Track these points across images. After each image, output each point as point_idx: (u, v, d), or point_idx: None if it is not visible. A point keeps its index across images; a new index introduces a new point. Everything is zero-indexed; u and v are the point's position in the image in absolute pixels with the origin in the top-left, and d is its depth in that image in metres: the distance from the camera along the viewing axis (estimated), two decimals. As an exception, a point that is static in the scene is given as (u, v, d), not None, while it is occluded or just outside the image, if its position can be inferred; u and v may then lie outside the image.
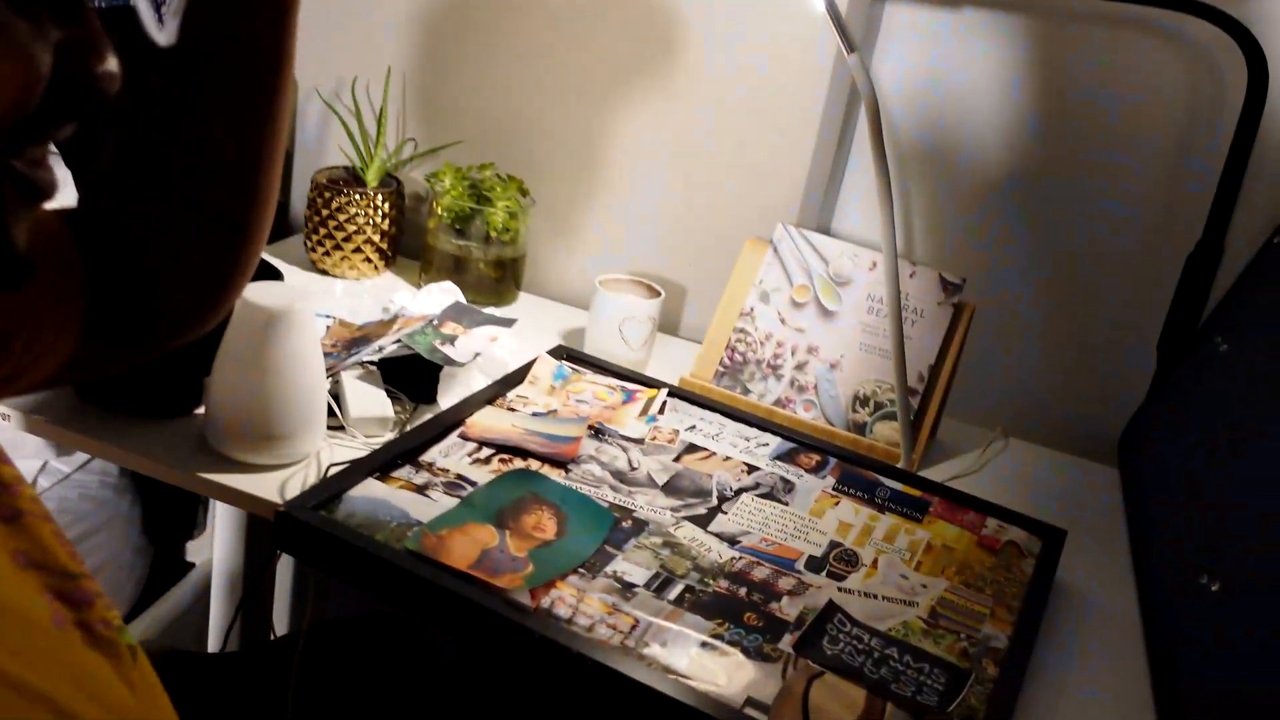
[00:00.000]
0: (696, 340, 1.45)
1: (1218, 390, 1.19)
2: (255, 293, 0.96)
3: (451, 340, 1.15)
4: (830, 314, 1.28)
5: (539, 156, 1.46)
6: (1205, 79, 1.29)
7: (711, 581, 0.90)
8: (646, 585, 0.88)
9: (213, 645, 1.44)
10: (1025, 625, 0.92)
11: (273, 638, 1.38)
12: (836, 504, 1.05)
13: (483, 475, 0.99)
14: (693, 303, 1.46)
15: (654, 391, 1.18)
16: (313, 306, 0.98)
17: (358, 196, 1.40)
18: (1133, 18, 1.28)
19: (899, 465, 1.19)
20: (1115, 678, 0.96)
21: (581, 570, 0.88)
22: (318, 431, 1.02)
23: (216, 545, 1.43)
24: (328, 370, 1.09)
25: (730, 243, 1.40)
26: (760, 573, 0.93)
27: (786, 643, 0.84)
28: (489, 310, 1.28)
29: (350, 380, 1.10)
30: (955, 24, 1.33)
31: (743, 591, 0.90)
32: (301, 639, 1.04)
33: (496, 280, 1.42)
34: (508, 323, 1.21)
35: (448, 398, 1.15)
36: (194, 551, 1.66)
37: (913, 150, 1.39)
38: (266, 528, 0.92)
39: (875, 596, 0.93)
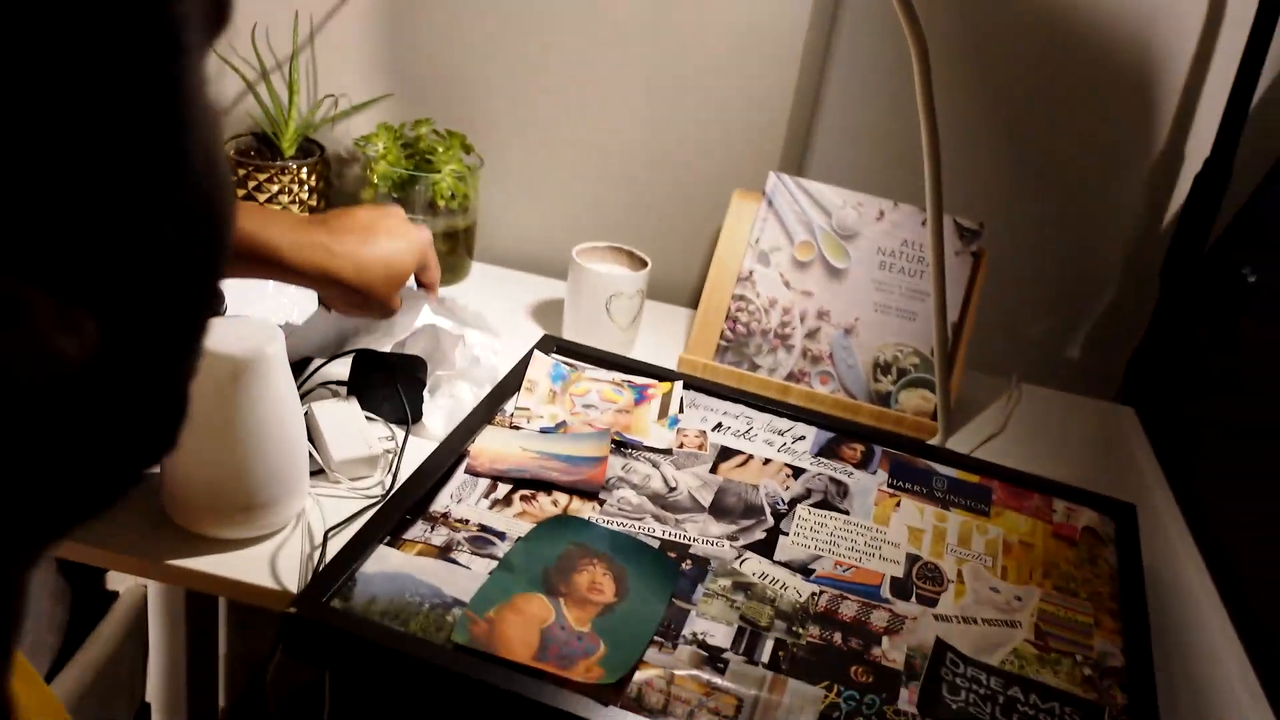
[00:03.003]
0: (679, 304, 1.31)
1: (1257, 329, 1.12)
2: (213, 337, 0.78)
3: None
4: (839, 272, 1.15)
5: (483, 108, 1.27)
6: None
7: (801, 630, 0.79)
8: (734, 647, 0.76)
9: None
10: (1135, 634, 0.84)
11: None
12: (898, 505, 0.94)
13: (509, 522, 0.84)
14: (670, 262, 1.31)
15: (668, 385, 1.04)
16: (282, 346, 0.81)
17: (279, 170, 1.19)
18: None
19: (934, 441, 1.09)
20: (1224, 670, 0.89)
21: (658, 638, 0.76)
22: (302, 491, 0.85)
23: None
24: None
25: (707, 195, 1.26)
26: (848, 609, 0.82)
27: (906, 700, 0.74)
28: (451, 293, 1.11)
29: (324, 413, 0.93)
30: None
31: (838, 638, 0.78)
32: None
33: (447, 254, 1.25)
34: (492, 331, 1.05)
35: (433, 416, 0.99)
36: (116, 580, 1.47)
37: (893, 80, 1.25)
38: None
39: (975, 620, 0.83)
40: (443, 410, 1.00)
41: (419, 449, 0.93)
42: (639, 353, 1.18)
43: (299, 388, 0.96)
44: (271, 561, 0.82)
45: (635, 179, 1.29)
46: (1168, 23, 1.21)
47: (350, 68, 1.27)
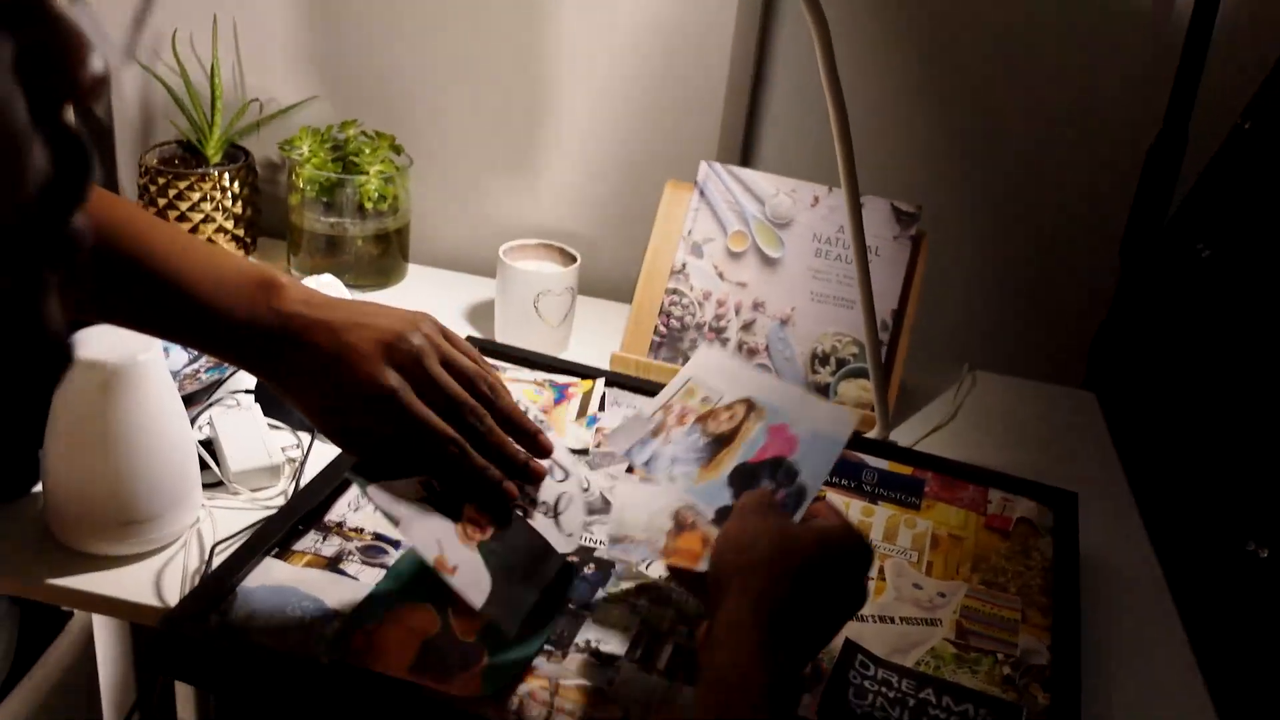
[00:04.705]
0: (617, 299, 1.28)
1: (1208, 306, 1.07)
2: (83, 345, 0.75)
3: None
4: (773, 262, 1.11)
5: (412, 107, 1.25)
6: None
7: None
8: (629, 655, 0.72)
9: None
10: (1064, 631, 0.79)
11: None
12: (821, 499, 0.90)
13: (406, 530, 0.81)
14: (609, 258, 1.28)
15: (589, 384, 1.01)
16: (158, 353, 0.78)
17: (200, 178, 1.17)
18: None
19: (873, 433, 1.05)
20: (1164, 670, 0.84)
21: (549, 647, 0.72)
22: (191, 503, 0.82)
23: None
24: (199, 407, 0.90)
25: (645, 187, 1.22)
26: (756, 611, 0.78)
27: (807, 706, 0.70)
28: (385, 296, 1.08)
29: (224, 421, 0.90)
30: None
31: (742, 641, 0.75)
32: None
33: (379, 256, 1.22)
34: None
35: (345, 422, 0.96)
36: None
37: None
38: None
39: (892, 619, 0.79)
40: (357, 416, 0.97)
41: (326, 456, 0.90)
42: (575, 351, 1.15)
43: (207, 398, 0.94)
44: (157, 578, 0.79)
45: (569, 174, 1.25)
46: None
47: (276, 71, 1.25)
